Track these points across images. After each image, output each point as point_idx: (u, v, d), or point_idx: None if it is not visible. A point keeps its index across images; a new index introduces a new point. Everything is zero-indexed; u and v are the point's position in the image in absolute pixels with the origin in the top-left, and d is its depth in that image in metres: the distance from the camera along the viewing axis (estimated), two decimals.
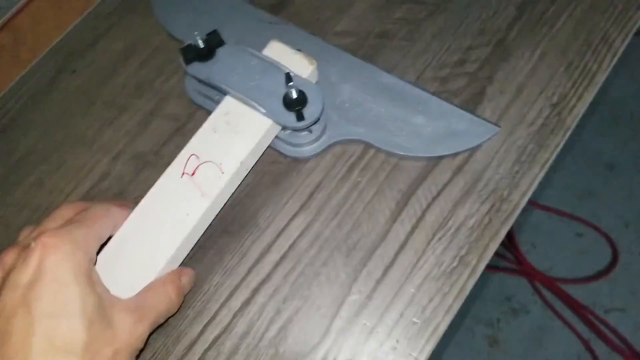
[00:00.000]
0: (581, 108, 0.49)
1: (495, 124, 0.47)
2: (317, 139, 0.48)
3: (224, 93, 0.46)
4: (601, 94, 0.51)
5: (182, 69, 0.52)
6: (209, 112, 0.46)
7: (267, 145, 0.47)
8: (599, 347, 1.29)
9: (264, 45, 0.48)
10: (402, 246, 0.44)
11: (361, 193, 0.47)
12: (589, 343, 1.31)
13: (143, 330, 0.35)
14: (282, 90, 0.44)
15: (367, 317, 0.42)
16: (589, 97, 0.49)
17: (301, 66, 0.47)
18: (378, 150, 0.48)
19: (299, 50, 0.48)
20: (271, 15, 0.56)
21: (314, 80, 0.49)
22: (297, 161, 0.49)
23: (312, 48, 0.51)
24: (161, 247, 0.39)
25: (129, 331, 0.34)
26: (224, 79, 0.45)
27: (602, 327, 1.31)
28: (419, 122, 0.48)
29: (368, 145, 0.49)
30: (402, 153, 0.47)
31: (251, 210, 0.47)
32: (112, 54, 0.58)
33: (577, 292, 1.36)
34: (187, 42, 0.46)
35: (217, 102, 0.47)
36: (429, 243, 0.44)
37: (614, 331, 1.30)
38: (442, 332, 0.42)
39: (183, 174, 0.42)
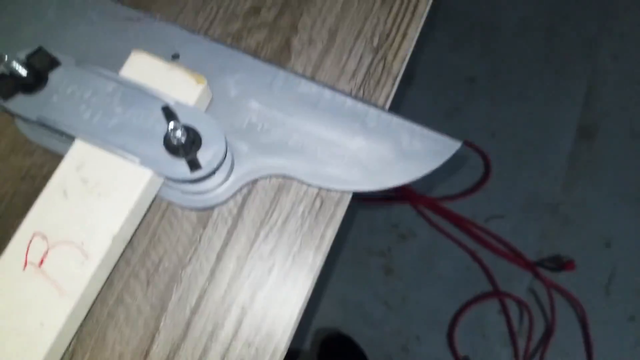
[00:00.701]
0: (408, 48, 0.40)
1: (455, 140, 0.37)
2: (222, 182, 0.35)
3: (70, 136, 0.32)
4: (447, 11, 0.42)
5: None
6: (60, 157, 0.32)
7: (149, 203, 0.34)
8: (485, 256, 1.34)
9: (123, 57, 0.33)
10: None
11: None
12: (476, 253, 1.35)
13: None
14: (161, 127, 0.30)
15: None
16: (414, 33, 0.41)
17: (184, 88, 0.33)
18: (309, 185, 0.36)
19: (175, 56, 0.34)
20: (127, 8, 0.39)
21: (204, 105, 0.35)
22: (197, 211, 0.37)
23: (193, 52, 0.37)
24: None
25: None
26: (65, 118, 0.30)
27: (485, 236, 1.35)
28: (357, 145, 0.36)
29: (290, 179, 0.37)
30: (339, 187, 0.35)
31: None
32: None
33: (457, 207, 1.38)
34: None
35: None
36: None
37: (496, 237, 1.35)
38: None
39: (26, 264, 0.29)
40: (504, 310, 1.28)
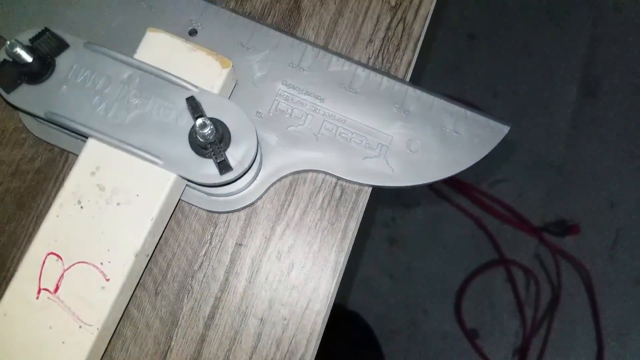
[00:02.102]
0: (429, 4, 0.37)
1: (503, 122, 0.34)
2: (251, 181, 0.31)
3: (83, 135, 0.29)
4: None
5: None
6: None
7: (173, 210, 0.31)
8: (490, 223, 1.33)
9: (136, 35, 0.30)
10: None
11: None
12: (480, 220, 1.34)
13: None
14: (185, 122, 0.27)
15: None
16: None
17: (208, 72, 0.29)
18: (348, 182, 0.33)
19: (193, 32, 0.31)
20: None
21: (229, 91, 0.32)
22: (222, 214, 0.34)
23: (211, 26, 0.33)
24: None
25: None
26: (77, 114, 0.27)
27: (490, 202, 1.34)
28: (396, 131, 0.33)
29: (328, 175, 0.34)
30: (378, 183, 0.32)
31: None
32: None
33: (460, 172, 1.37)
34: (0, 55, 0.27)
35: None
36: None
37: (500, 203, 1.34)
38: None
39: (40, 290, 0.26)
40: (510, 279, 1.28)
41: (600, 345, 1.23)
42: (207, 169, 0.28)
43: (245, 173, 0.29)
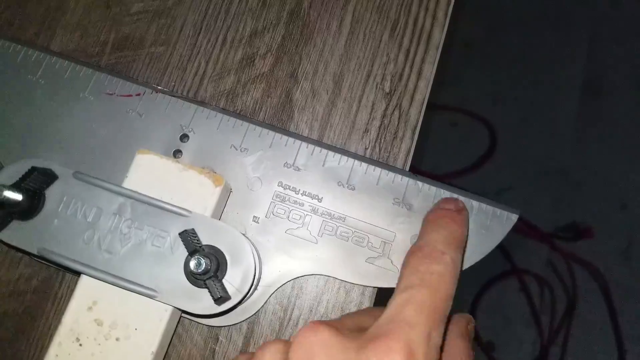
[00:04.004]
0: (425, 89, 0.36)
1: (512, 210, 0.33)
2: (249, 294, 0.31)
3: (75, 273, 0.29)
4: None
5: None
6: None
7: (171, 337, 0.31)
8: None
9: (129, 148, 0.31)
10: None
11: None
12: None
13: None
14: (180, 251, 0.27)
15: None
16: (431, 69, 0.37)
17: (200, 191, 0.29)
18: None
19: (184, 137, 0.32)
20: (123, 81, 0.35)
21: (224, 204, 0.32)
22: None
23: (202, 129, 0.34)
24: None
25: None
26: (70, 250, 0.27)
27: None
28: (399, 228, 0.32)
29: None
30: (385, 286, 0.32)
31: None
32: None
33: (466, 182, 1.36)
34: None
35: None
36: None
37: None
38: None
39: None
40: (524, 288, 1.27)
41: (622, 350, 1.23)
42: (204, 300, 0.27)
43: (245, 299, 0.28)
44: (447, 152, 1.40)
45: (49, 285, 0.33)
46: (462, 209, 0.29)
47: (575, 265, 1.28)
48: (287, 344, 0.23)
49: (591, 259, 1.28)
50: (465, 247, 0.29)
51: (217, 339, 0.32)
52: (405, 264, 0.26)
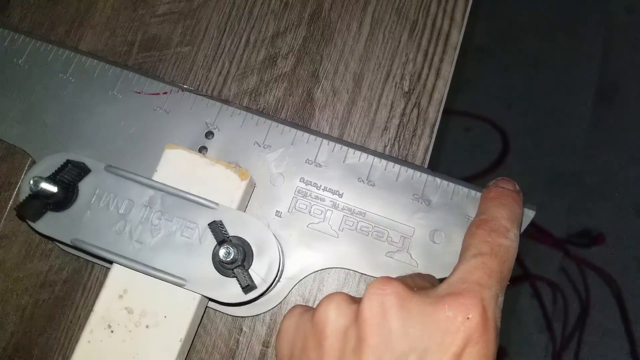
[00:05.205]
0: (443, 89, 0.37)
1: (530, 207, 0.34)
2: (273, 285, 0.32)
3: (107, 261, 0.30)
4: None
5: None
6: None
7: (198, 324, 0.32)
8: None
9: (157, 144, 0.32)
10: None
11: None
12: None
13: None
14: (208, 242, 0.28)
15: None
16: (449, 69, 0.38)
17: (227, 185, 0.31)
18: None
19: (209, 134, 0.33)
20: (150, 80, 0.37)
21: (249, 197, 0.33)
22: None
23: (227, 126, 0.35)
24: None
25: None
26: (102, 240, 0.29)
27: None
28: (417, 223, 0.33)
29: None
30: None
31: None
32: None
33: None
34: (24, 193, 0.29)
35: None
36: None
37: None
38: None
39: None
40: (536, 294, 1.27)
41: (635, 357, 1.22)
42: (231, 289, 0.29)
43: (269, 290, 0.29)
44: (460, 158, 1.40)
45: (78, 276, 0.34)
46: (520, 191, 0.32)
47: (588, 271, 1.27)
48: (352, 298, 0.25)
49: (604, 265, 1.27)
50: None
51: (241, 329, 0.33)
52: (471, 234, 0.28)
